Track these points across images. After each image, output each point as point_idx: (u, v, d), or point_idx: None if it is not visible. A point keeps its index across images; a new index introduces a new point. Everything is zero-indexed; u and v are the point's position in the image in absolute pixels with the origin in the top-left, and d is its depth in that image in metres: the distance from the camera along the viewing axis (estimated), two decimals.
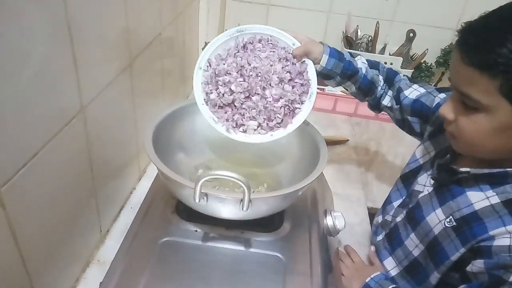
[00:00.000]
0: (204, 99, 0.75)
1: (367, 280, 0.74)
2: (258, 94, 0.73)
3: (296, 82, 0.75)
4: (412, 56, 1.41)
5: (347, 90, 0.89)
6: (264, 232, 0.70)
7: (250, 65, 0.73)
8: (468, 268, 0.60)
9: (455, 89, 0.60)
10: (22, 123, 0.50)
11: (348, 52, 0.82)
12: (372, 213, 1.01)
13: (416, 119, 0.83)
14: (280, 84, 0.73)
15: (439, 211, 0.67)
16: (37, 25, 0.51)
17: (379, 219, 0.84)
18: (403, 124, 0.87)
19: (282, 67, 0.73)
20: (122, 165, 0.89)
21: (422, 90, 0.82)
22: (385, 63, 1.35)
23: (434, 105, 0.78)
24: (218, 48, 0.75)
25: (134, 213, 0.76)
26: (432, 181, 0.71)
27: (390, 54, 1.39)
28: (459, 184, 0.65)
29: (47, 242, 0.62)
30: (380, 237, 0.82)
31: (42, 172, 0.56)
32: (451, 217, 0.64)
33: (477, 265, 0.59)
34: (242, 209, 0.58)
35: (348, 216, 0.98)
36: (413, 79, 0.87)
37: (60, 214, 0.64)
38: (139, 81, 0.88)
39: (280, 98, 0.73)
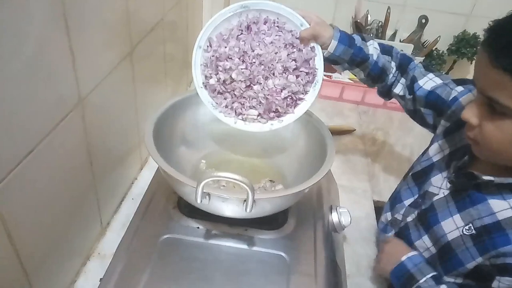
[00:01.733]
0: (203, 83, 0.72)
1: (402, 259, 0.68)
2: (260, 83, 0.70)
3: (301, 71, 0.71)
4: (424, 43, 1.36)
5: (355, 75, 0.85)
6: (268, 230, 0.69)
7: (253, 51, 0.69)
8: (495, 285, 0.58)
9: (480, 93, 0.55)
10: (14, 119, 0.48)
11: (361, 36, 0.77)
12: (378, 207, 0.99)
13: (430, 111, 0.79)
14: (284, 74, 0.70)
15: (457, 217, 0.64)
16: (27, 8, 0.47)
17: (387, 216, 0.81)
18: (415, 115, 0.83)
19: (288, 54, 0.69)
20: (123, 155, 0.87)
21: (438, 81, 0.77)
22: None
23: (450, 98, 0.74)
24: (220, 25, 0.70)
25: (135, 204, 0.74)
26: (449, 184, 0.68)
27: (400, 41, 1.34)
28: (479, 190, 0.62)
29: (45, 238, 0.60)
30: (388, 235, 0.79)
31: (37, 169, 0.54)
32: (470, 225, 0.61)
33: (505, 282, 0.57)
34: (246, 210, 0.56)
35: (354, 209, 0.95)
36: (427, 68, 0.82)
37: (58, 209, 0.62)
38: (140, 69, 0.85)
39: (283, 89, 0.70)
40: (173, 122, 0.75)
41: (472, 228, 0.61)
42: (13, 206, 0.50)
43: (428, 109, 0.79)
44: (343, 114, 1.33)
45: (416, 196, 0.75)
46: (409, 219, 0.74)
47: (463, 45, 1.30)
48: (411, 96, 0.80)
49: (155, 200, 0.72)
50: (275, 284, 0.61)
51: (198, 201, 0.55)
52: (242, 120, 0.73)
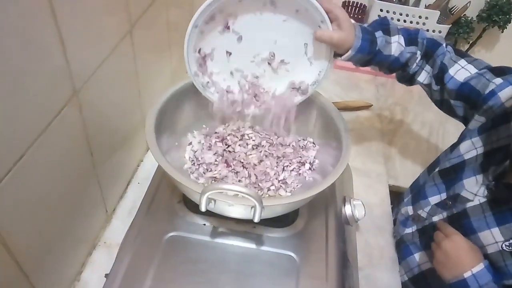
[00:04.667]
0: (195, 72, 0.67)
1: (465, 276, 0.58)
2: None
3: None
4: (452, 9, 1.24)
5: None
6: (277, 227, 0.65)
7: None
8: None
9: None
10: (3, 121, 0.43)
11: (385, 28, 0.67)
12: (393, 191, 0.95)
13: (461, 103, 0.70)
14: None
15: (496, 231, 0.59)
16: None
17: (408, 210, 0.76)
18: (442, 104, 0.74)
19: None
20: (127, 138, 0.83)
21: (472, 70, 0.67)
22: (420, 17, 1.19)
23: (487, 92, 0.64)
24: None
25: (141, 189, 0.71)
26: (486, 192, 0.62)
27: (426, 7, 1.23)
28: None
29: (45, 236, 0.57)
30: (409, 230, 0.75)
31: (31, 172, 0.50)
32: (511, 241, 0.57)
33: None
34: (254, 220, 0.52)
35: (367, 195, 0.92)
36: (458, 53, 0.71)
37: (57, 205, 0.59)
38: (141, 44, 0.78)
39: None
40: (177, 111, 0.70)
41: None
42: (5, 211, 0.47)
43: (458, 101, 0.70)
44: (359, 87, 1.25)
45: (443, 196, 0.69)
46: (436, 218, 0.68)
47: (495, 12, 1.18)
48: (439, 86, 0.71)
49: (160, 193, 0.69)
50: None
51: (203, 209, 0.52)
52: None
